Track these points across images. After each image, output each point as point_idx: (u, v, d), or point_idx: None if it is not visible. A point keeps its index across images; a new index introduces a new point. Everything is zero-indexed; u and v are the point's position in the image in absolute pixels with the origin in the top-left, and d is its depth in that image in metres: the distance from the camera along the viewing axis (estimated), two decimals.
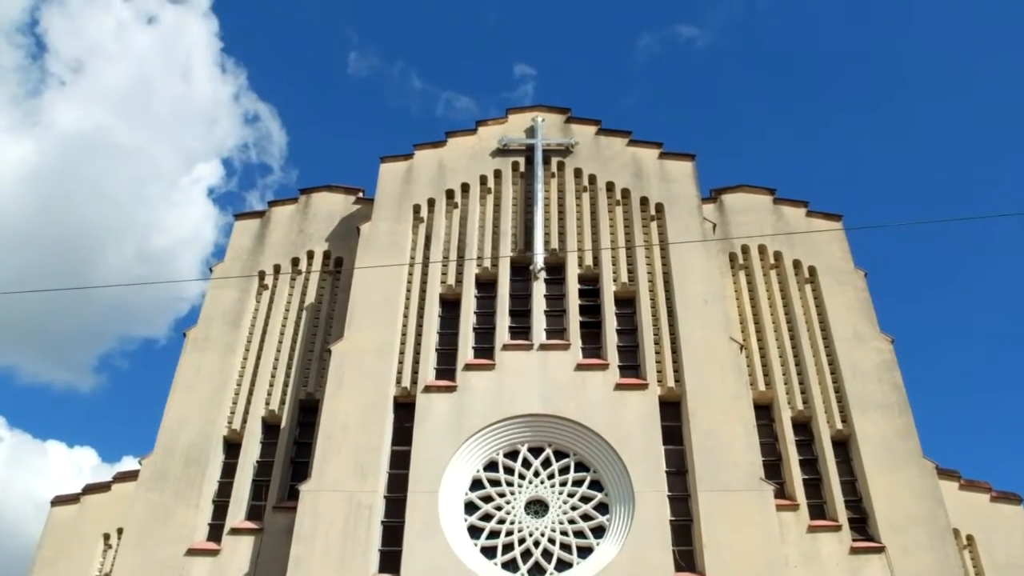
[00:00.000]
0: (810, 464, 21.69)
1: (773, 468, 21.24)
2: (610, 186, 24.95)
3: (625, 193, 24.77)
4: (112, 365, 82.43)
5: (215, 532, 20.86)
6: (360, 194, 26.25)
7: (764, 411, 22.18)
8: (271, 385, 22.97)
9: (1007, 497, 25.74)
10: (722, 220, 25.18)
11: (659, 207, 24.32)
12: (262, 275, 24.72)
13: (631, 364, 21.82)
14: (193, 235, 76.80)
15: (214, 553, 20.41)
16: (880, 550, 20.16)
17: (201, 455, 21.58)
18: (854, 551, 20.20)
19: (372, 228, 24.00)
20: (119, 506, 24.53)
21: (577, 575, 18.70)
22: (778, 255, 24.74)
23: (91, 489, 26.40)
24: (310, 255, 25.21)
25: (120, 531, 22.77)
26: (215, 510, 21.22)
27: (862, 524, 20.80)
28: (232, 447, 22.14)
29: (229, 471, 21.73)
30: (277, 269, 24.91)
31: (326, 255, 25.20)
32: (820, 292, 23.94)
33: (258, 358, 23.37)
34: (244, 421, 22.35)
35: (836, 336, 23.03)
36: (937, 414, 61.83)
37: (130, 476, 24.72)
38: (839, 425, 21.92)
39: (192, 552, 20.37)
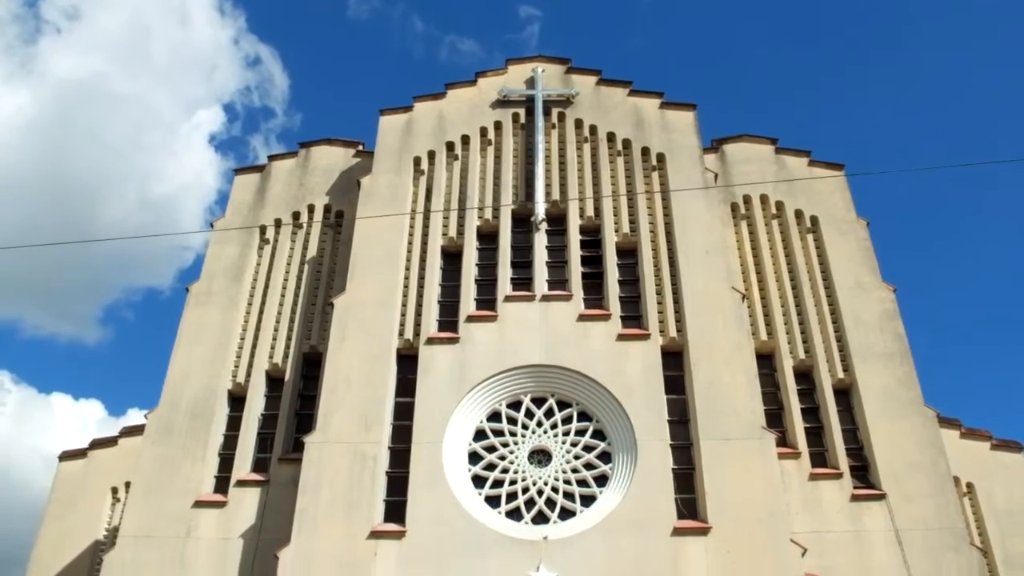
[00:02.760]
0: (811, 413, 21.83)
1: (775, 417, 21.38)
2: (611, 137, 24.80)
3: (626, 143, 24.63)
4: (117, 317, 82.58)
5: (221, 484, 21.06)
6: (360, 147, 26.13)
7: (766, 361, 22.29)
8: (274, 339, 23.05)
9: (1007, 445, 25.98)
10: (724, 170, 25.08)
11: (660, 157, 24.20)
12: (263, 229, 24.68)
13: (633, 314, 21.86)
14: (195, 182, 76.49)
15: (221, 505, 20.61)
16: (881, 497, 20.33)
17: (206, 409, 21.71)
18: (855, 498, 20.38)
19: (372, 181, 23.92)
20: (126, 460, 24.84)
21: (580, 523, 18.87)
22: (780, 205, 24.67)
23: (98, 444, 26.74)
24: (311, 209, 25.16)
25: (127, 485, 23.07)
26: (221, 463, 21.39)
27: (863, 472, 20.96)
28: (237, 401, 22.26)
29: (234, 424, 21.89)
30: (278, 223, 24.88)
31: (327, 209, 25.15)
32: (822, 242, 23.91)
33: (261, 312, 23.42)
34: (248, 375, 22.45)
35: (838, 285, 23.05)
36: (939, 363, 62.11)
37: (136, 431, 24.98)
38: (840, 374, 22.01)
39: (199, 504, 20.56)
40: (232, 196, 25.55)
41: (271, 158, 26.32)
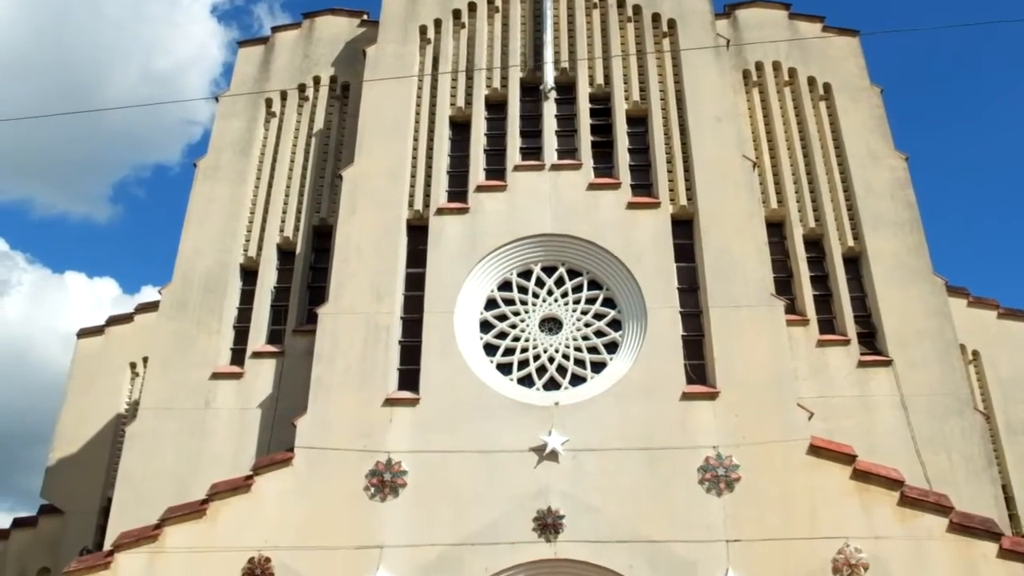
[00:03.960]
0: (820, 281, 21.94)
1: (784, 285, 21.50)
2: (620, 2, 24.14)
3: (636, 9, 24.00)
4: (127, 194, 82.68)
5: (237, 356, 21.42)
6: (365, 16, 25.55)
7: (776, 229, 22.29)
8: (284, 212, 23.05)
9: (1014, 314, 26.24)
10: (736, 37, 24.52)
11: (671, 23, 23.61)
12: (269, 103, 24.38)
13: (643, 183, 21.72)
14: (198, 55, 75.33)
15: (238, 376, 21.01)
16: (887, 363, 20.60)
17: (219, 283, 21.89)
18: (862, 364, 20.66)
19: (378, 51, 23.47)
20: (143, 336, 25.29)
21: (591, 389, 19.22)
22: (792, 72, 24.23)
23: (115, 320, 27.18)
24: (316, 81, 24.78)
25: (145, 360, 23.51)
26: (236, 336, 21.70)
27: (870, 339, 21.20)
28: (249, 274, 22.43)
29: (247, 298, 22.11)
30: (284, 96, 24.54)
31: (332, 80, 24.78)
32: (835, 109, 23.56)
33: (270, 186, 23.35)
34: (259, 249, 22.55)
35: (850, 154, 22.83)
36: (949, 233, 62.04)
37: (151, 307, 25.35)
38: (850, 242, 22.02)
39: (216, 376, 20.96)
40: (236, 69, 25.14)
41: (274, 29, 25.79)
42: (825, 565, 17.22)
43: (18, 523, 26.76)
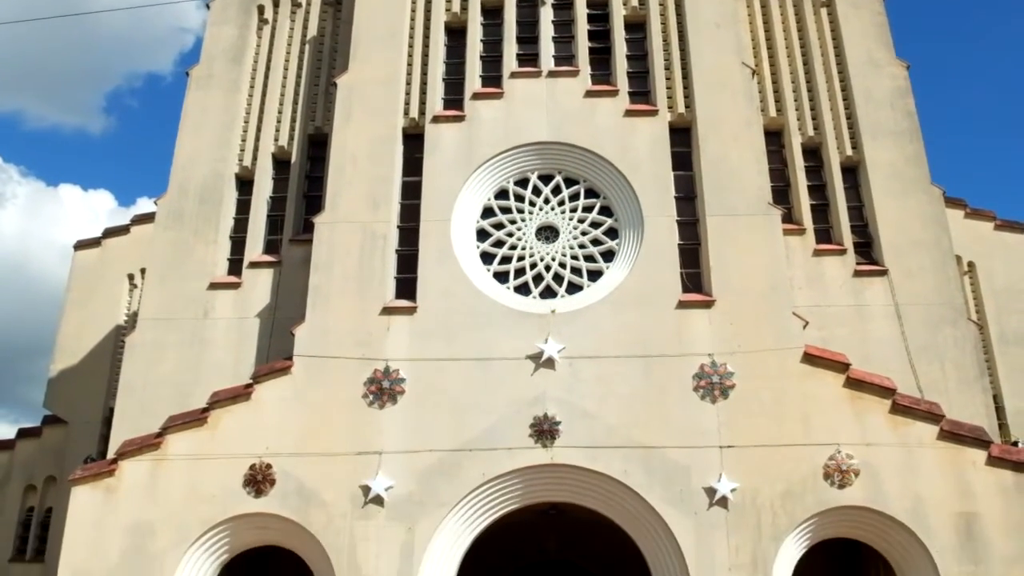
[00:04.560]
0: (818, 190, 21.85)
1: (781, 194, 21.39)
2: None
3: None
4: (121, 105, 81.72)
5: (235, 267, 21.46)
6: None
7: (774, 137, 22.07)
8: (279, 121, 22.79)
9: (1011, 226, 26.25)
10: None
11: None
12: (261, 9, 23.86)
13: (641, 90, 21.44)
14: None
15: (235, 286, 21.08)
16: (883, 273, 20.66)
17: (214, 193, 21.79)
18: (857, 274, 20.72)
19: None
20: (139, 247, 25.29)
21: (587, 297, 19.30)
22: None
23: (111, 232, 27.17)
24: None
25: (143, 271, 23.49)
26: (233, 246, 21.69)
27: (867, 248, 21.21)
28: (244, 184, 22.31)
29: (243, 208, 22.04)
30: (275, 3, 24.01)
31: None
32: (836, 16, 23.09)
33: (264, 95, 23.04)
34: (254, 158, 22.38)
35: (850, 62, 22.47)
36: (948, 144, 61.69)
37: (147, 218, 25.32)
38: (849, 151, 21.87)
39: (214, 286, 21.02)
40: None
41: None
42: (817, 471, 17.54)
43: (23, 433, 27.14)
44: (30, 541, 25.84)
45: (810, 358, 18.26)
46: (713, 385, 18.16)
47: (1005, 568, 16.89)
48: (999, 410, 22.84)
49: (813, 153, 22.12)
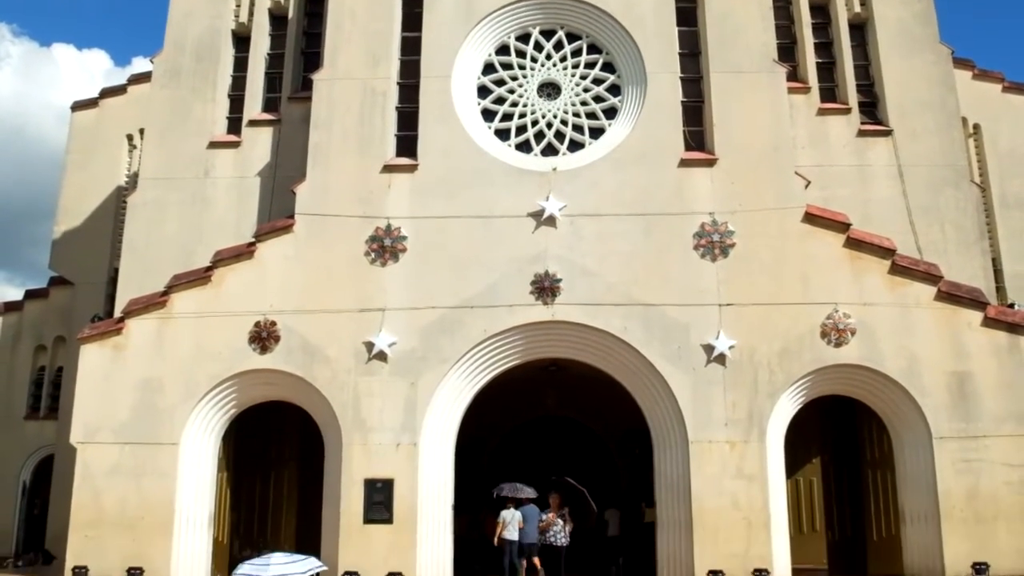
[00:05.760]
0: (824, 48, 21.54)
1: (787, 51, 21.07)
2: None
3: None
4: None
5: (234, 125, 21.31)
6: None
7: None
8: None
9: (1018, 88, 25.86)
10: None
11: None
12: None
13: None
14: None
15: (235, 145, 20.99)
16: (887, 133, 20.55)
17: (211, 50, 21.45)
18: (861, 134, 20.62)
19: None
20: (138, 107, 24.98)
21: (589, 154, 19.18)
22: None
23: (108, 93, 26.81)
24: None
25: (142, 131, 23.26)
26: (232, 104, 21.50)
27: (871, 108, 21.04)
28: (241, 41, 21.91)
29: (241, 65, 21.72)
30: None
31: None
32: None
33: None
34: (251, 14, 21.89)
35: None
36: (957, 3, 60.15)
37: (144, 78, 24.94)
38: (857, 8, 21.45)
39: (214, 145, 20.94)
40: None
41: None
42: (814, 329, 17.81)
43: (30, 295, 27.42)
44: (43, 399, 26.44)
45: (811, 217, 18.31)
46: (713, 244, 18.24)
47: (995, 426, 17.37)
48: (997, 273, 23.04)
49: (820, 10, 21.70)
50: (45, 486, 24.47)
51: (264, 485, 20.15)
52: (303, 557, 11.60)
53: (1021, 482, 17.20)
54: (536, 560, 18.94)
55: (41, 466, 25.56)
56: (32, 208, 67.39)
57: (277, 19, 22.13)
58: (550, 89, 20.07)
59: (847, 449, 19.97)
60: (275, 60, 21.84)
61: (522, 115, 19.81)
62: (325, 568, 12.80)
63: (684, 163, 18.80)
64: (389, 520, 17.36)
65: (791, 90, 20.00)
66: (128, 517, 17.48)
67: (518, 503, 19.15)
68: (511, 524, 18.66)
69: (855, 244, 18.13)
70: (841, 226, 18.22)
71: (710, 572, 16.81)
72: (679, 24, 19.95)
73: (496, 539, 18.80)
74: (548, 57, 20.13)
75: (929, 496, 17.32)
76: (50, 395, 26.18)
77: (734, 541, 17.03)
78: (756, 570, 16.83)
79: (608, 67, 20.04)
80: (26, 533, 24.86)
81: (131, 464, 17.67)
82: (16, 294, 50.29)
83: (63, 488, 20.41)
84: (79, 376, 18.33)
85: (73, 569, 17.37)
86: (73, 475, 18.02)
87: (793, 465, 18.74)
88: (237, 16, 21.88)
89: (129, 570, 17.22)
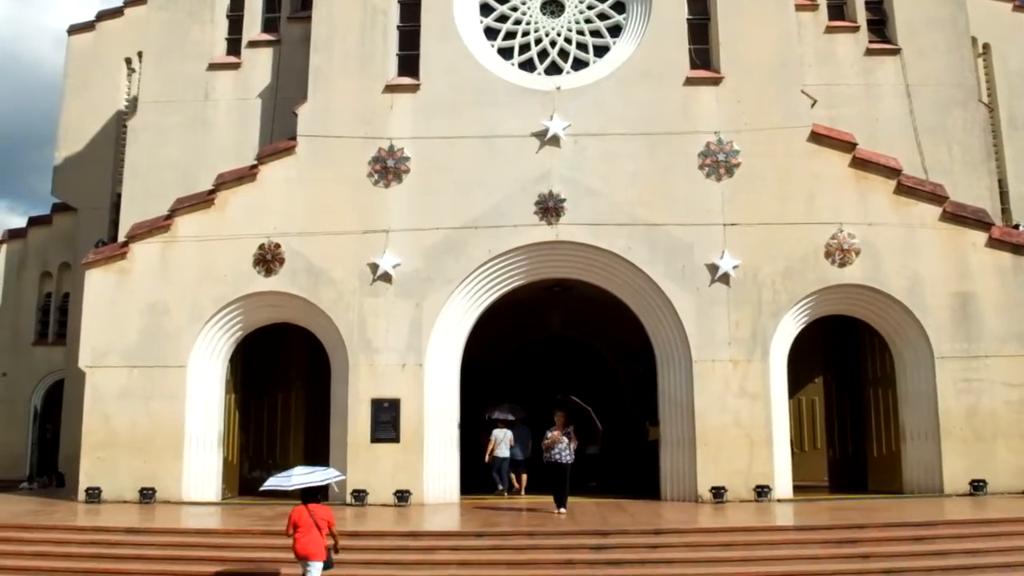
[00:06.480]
0: None
1: None
2: None
3: None
4: None
5: (233, 46, 21.06)
6: None
7: None
8: None
9: None
10: None
11: None
12: None
13: None
14: None
15: (235, 67, 20.78)
16: (895, 52, 20.30)
17: None
18: (869, 52, 20.37)
19: None
20: (135, 30, 24.60)
21: (593, 73, 18.94)
22: None
23: (104, 15, 26.41)
24: None
25: (140, 54, 23.00)
26: (231, 25, 21.21)
27: (880, 26, 20.74)
28: None
29: None
30: None
31: None
32: None
33: None
34: None
35: None
36: None
37: (141, 0, 24.47)
38: None
39: (213, 67, 20.72)
40: None
41: None
42: (818, 249, 17.78)
43: (33, 222, 27.44)
44: (50, 325, 26.65)
45: (817, 137, 18.15)
46: (718, 163, 18.11)
47: (997, 346, 17.44)
48: (1003, 194, 22.88)
49: None
50: (56, 410, 24.79)
51: (272, 406, 20.37)
52: (323, 468, 11.94)
53: (1021, 401, 17.34)
54: (524, 476, 19.87)
55: (52, 391, 25.90)
56: (32, 135, 66.73)
57: None
58: (554, 6, 19.74)
59: (849, 368, 20.10)
60: None
61: (525, 33, 19.52)
62: (344, 477, 13.04)
63: (689, 81, 18.56)
64: (396, 439, 17.58)
65: (799, 7, 19.72)
66: (139, 439, 17.72)
67: (510, 424, 19.70)
68: (503, 442, 19.52)
69: (861, 164, 17.99)
70: (847, 145, 18.07)
71: (713, 488, 17.03)
72: None
73: (488, 455, 19.45)
74: None
75: (929, 414, 17.49)
76: (57, 321, 26.40)
77: (736, 458, 17.22)
78: (758, 486, 17.05)
79: None
80: (39, 457, 25.22)
81: (140, 387, 17.86)
82: (19, 222, 50.26)
83: (74, 412, 20.67)
84: (85, 301, 18.42)
85: (86, 490, 17.66)
86: (83, 399, 18.18)
87: (795, 384, 18.92)
88: None
89: (141, 490, 17.50)
